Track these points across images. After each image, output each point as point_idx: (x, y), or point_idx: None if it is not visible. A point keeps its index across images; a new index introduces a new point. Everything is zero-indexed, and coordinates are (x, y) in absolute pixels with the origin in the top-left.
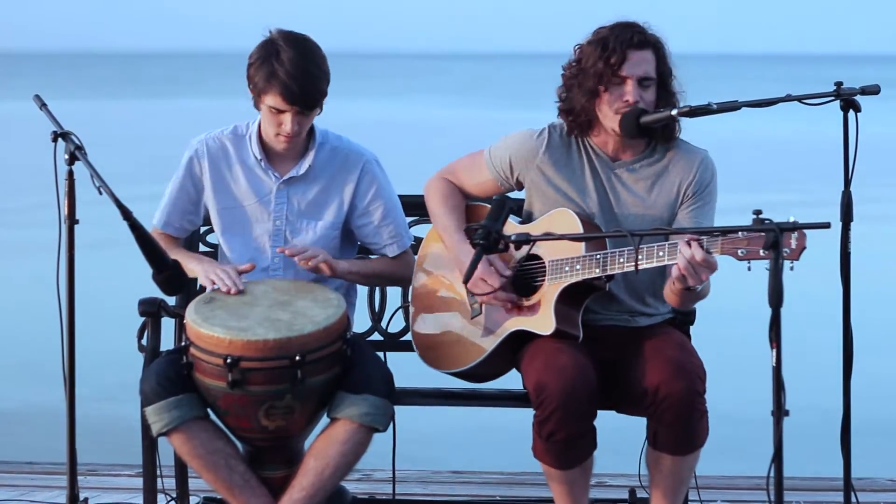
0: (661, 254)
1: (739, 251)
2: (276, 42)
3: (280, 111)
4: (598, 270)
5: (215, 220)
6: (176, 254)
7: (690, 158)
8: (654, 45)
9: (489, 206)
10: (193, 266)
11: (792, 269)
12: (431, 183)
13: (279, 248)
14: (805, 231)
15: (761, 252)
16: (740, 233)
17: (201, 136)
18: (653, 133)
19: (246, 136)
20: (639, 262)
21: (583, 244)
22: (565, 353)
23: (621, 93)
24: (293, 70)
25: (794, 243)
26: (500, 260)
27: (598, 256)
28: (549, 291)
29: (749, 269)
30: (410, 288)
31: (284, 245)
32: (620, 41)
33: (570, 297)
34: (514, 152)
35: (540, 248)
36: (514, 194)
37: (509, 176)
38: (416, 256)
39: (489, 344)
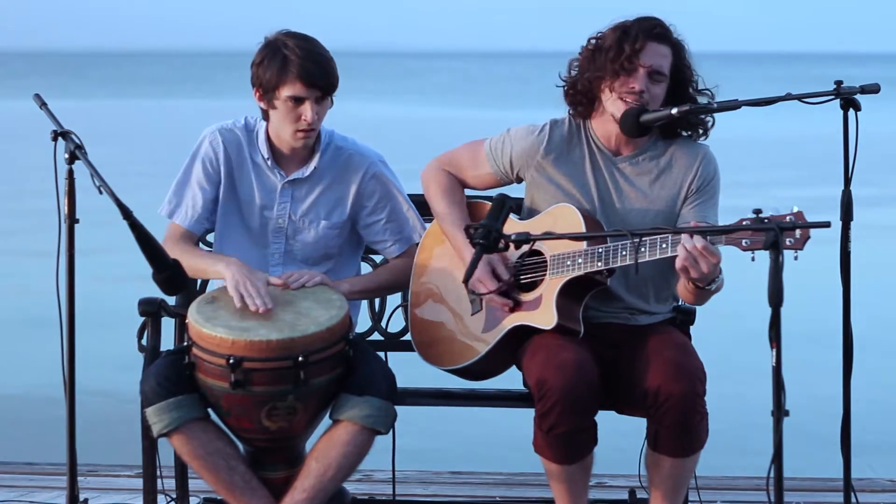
0: (664, 245)
1: (743, 241)
2: (278, 39)
3: (299, 101)
4: (600, 264)
5: (220, 210)
6: (198, 257)
7: (693, 154)
8: (674, 43)
9: (489, 203)
10: (221, 269)
11: (796, 258)
12: (430, 173)
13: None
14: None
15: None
16: (744, 222)
17: (213, 127)
18: (650, 130)
19: (254, 132)
20: (643, 255)
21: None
22: (566, 348)
23: (630, 79)
24: (306, 55)
25: (797, 233)
26: (502, 261)
27: (601, 251)
28: (551, 286)
29: (753, 259)
30: (410, 285)
31: (284, 243)
32: (642, 29)
33: (572, 292)
34: (514, 148)
35: (542, 244)
36: (514, 191)
37: (509, 171)
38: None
39: (490, 340)
